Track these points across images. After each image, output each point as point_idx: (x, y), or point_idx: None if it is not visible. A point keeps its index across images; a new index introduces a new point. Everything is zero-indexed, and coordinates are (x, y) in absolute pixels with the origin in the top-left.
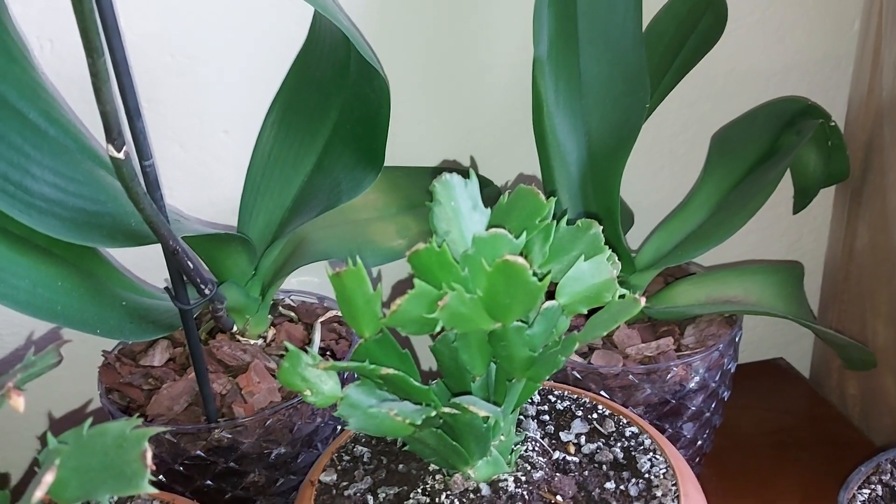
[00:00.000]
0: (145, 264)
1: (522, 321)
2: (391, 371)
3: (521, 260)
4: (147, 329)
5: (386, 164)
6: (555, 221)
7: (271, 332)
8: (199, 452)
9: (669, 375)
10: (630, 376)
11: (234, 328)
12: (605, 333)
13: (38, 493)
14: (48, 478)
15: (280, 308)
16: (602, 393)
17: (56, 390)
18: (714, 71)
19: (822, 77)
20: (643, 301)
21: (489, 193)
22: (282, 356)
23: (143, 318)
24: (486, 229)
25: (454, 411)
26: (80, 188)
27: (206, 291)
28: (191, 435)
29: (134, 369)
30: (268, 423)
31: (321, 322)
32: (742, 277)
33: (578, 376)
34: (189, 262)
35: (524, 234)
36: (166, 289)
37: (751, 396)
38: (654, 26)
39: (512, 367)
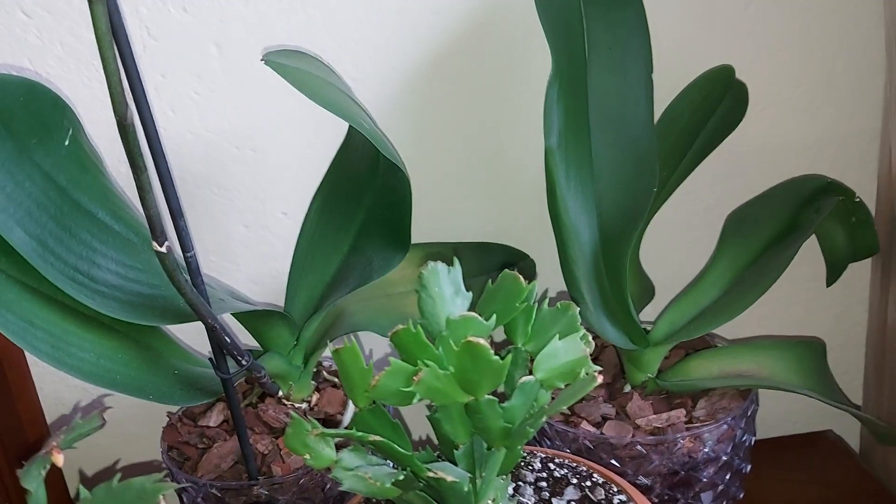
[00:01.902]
0: (198, 335)
1: (497, 395)
2: (378, 438)
3: (481, 340)
4: (194, 395)
5: (426, 240)
6: (536, 304)
7: (315, 397)
8: None
9: (677, 447)
10: (639, 447)
11: (280, 393)
12: (565, 406)
13: None
14: None
15: (324, 373)
16: (613, 462)
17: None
18: (745, 148)
19: (857, 152)
20: (600, 378)
21: (524, 266)
22: (320, 419)
23: (192, 385)
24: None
25: (433, 475)
26: (138, 275)
27: (244, 363)
28: (234, 490)
29: (192, 429)
30: (301, 481)
31: None
32: (755, 352)
33: (591, 446)
34: (226, 337)
35: (494, 316)
36: (210, 360)
37: (794, 469)
38: (669, 112)
39: (489, 437)
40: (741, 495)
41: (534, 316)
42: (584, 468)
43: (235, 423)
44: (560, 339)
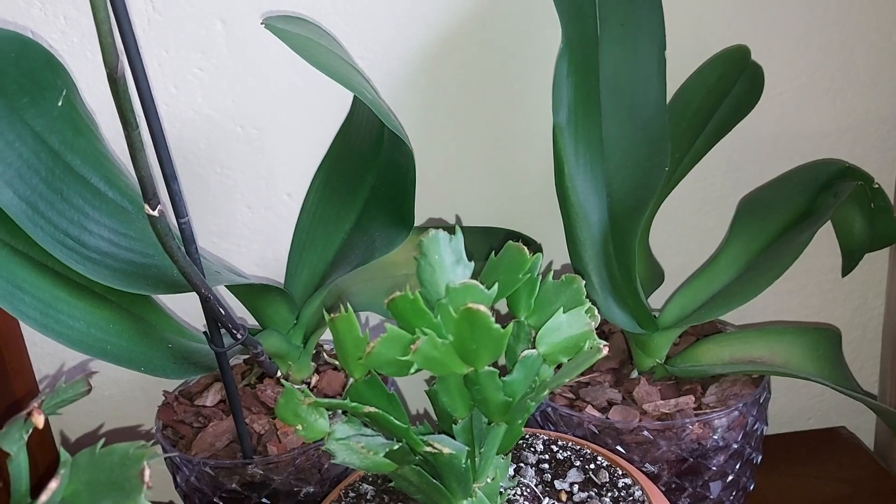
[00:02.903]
0: (194, 311)
1: (497, 367)
2: (372, 409)
3: (482, 307)
4: (188, 369)
5: (434, 224)
6: (539, 276)
7: (314, 379)
8: (235, 486)
9: (685, 433)
10: (645, 432)
11: (279, 373)
12: (569, 380)
13: (43, 497)
14: (53, 485)
15: (325, 355)
16: (619, 448)
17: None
18: (759, 134)
19: (876, 139)
20: (605, 350)
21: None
22: None
23: (185, 359)
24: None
25: (434, 450)
26: (131, 243)
27: (238, 336)
28: (228, 469)
29: (188, 408)
30: (297, 461)
31: None
32: (769, 338)
33: (595, 431)
34: (220, 309)
35: (496, 285)
36: (204, 333)
37: (808, 465)
38: (682, 93)
39: (488, 410)
40: (752, 487)
41: (537, 288)
42: (589, 451)
43: (230, 399)
44: (564, 312)
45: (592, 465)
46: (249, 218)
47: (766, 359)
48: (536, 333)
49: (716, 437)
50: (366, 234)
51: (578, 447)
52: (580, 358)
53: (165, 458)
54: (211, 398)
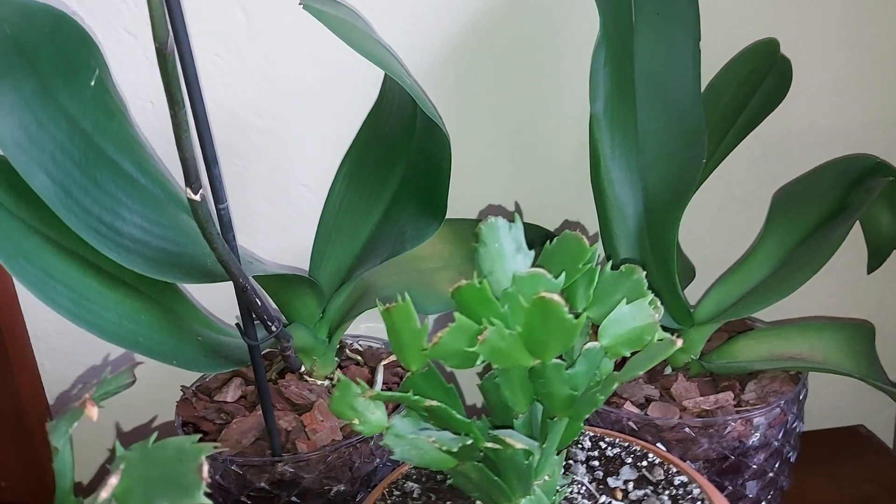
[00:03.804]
0: (221, 304)
1: (563, 359)
2: (434, 403)
3: (556, 297)
4: (219, 363)
5: (454, 216)
6: (598, 266)
7: (337, 374)
8: (263, 485)
9: (727, 430)
10: (686, 429)
11: (302, 368)
12: (640, 373)
13: (104, 494)
14: (113, 480)
15: (347, 351)
16: (659, 445)
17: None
18: (786, 129)
19: None
20: (679, 342)
21: None
22: None
23: (216, 352)
24: None
25: (494, 445)
26: (164, 231)
27: (273, 328)
28: (256, 467)
29: (208, 404)
30: (328, 459)
31: (384, 365)
32: (807, 333)
33: (635, 427)
34: (257, 300)
35: (563, 274)
36: (237, 325)
37: (828, 464)
38: (714, 86)
39: (552, 404)
40: (787, 485)
41: (596, 279)
42: (638, 448)
43: (260, 394)
44: (627, 304)
45: (645, 463)
46: (267, 210)
47: (806, 355)
48: (594, 326)
49: (758, 434)
50: (395, 226)
51: (627, 444)
52: (653, 350)
53: None
54: (231, 393)
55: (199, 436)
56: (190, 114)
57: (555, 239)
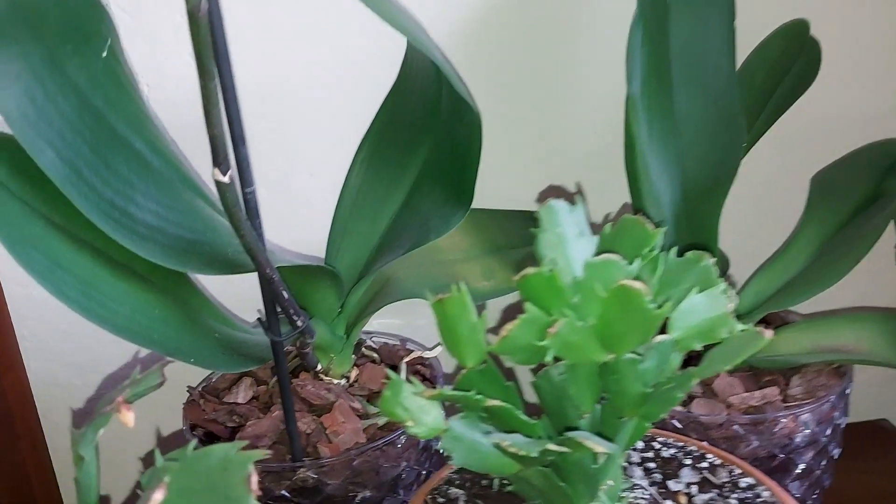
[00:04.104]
0: (230, 297)
1: (636, 354)
2: (497, 403)
3: (639, 285)
4: (238, 361)
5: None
6: (663, 252)
7: (354, 373)
8: (283, 493)
9: (777, 427)
10: (735, 427)
11: (318, 367)
12: (726, 369)
13: None
14: (158, 496)
15: (363, 349)
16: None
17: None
18: (822, 112)
19: None
20: (769, 334)
21: None
22: (365, 396)
23: (234, 350)
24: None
25: (563, 449)
26: (179, 217)
27: (299, 323)
28: (276, 474)
29: (218, 406)
30: (354, 463)
31: (405, 363)
32: (853, 325)
33: (678, 425)
34: (284, 292)
35: (637, 260)
36: (259, 320)
37: (857, 458)
38: (746, 68)
39: (623, 403)
40: (828, 484)
41: (661, 266)
42: (694, 448)
43: (283, 395)
44: (699, 292)
45: (705, 464)
46: (267, 200)
47: (853, 347)
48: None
49: (807, 431)
50: (417, 214)
51: (682, 444)
52: (736, 344)
53: None
54: (242, 394)
55: (244, 443)
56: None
57: (615, 223)
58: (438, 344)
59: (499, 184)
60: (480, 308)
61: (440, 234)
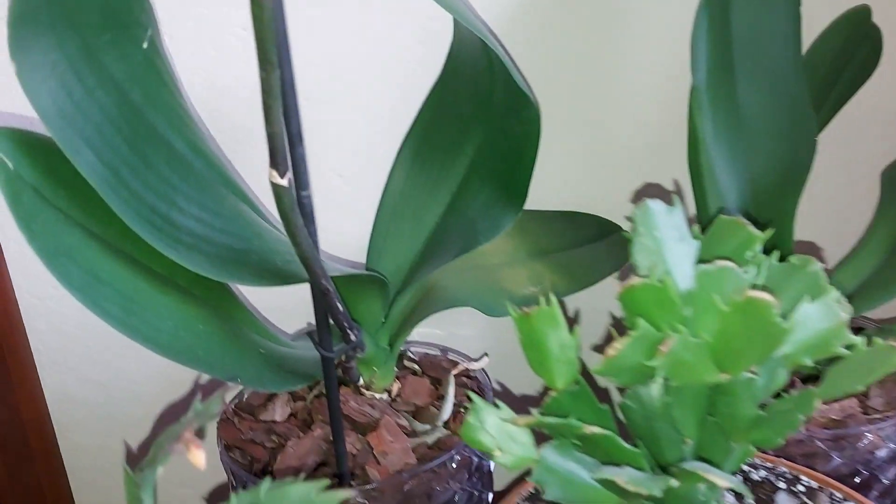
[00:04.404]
0: (265, 308)
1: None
2: (597, 430)
3: (767, 297)
4: (286, 379)
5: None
6: (767, 257)
7: (396, 386)
8: None
9: (861, 442)
10: (817, 442)
11: (360, 380)
12: (860, 389)
13: None
14: None
15: (403, 360)
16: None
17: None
18: (884, 102)
19: None
20: None
21: (621, 240)
22: (410, 412)
23: (280, 366)
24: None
25: (690, 482)
26: (225, 224)
27: (353, 337)
28: None
29: (254, 425)
30: (406, 487)
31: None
32: None
33: None
34: (339, 304)
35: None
36: (308, 334)
37: None
38: (810, 58)
39: (734, 427)
40: None
41: (765, 272)
42: (786, 469)
43: (332, 415)
44: (811, 301)
45: (801, 488)
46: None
47: None
48: None
49: (892, 445)
50: (464, 217)
51: (770, 465)
52: (867, 360)
53: (232, 485)
54: (279, 412)
55: (324, 482)
56: None
57: (711, 225)
58: (485, 354)
59: (537, 182)
60: (571, 322)
61: (489, 238)
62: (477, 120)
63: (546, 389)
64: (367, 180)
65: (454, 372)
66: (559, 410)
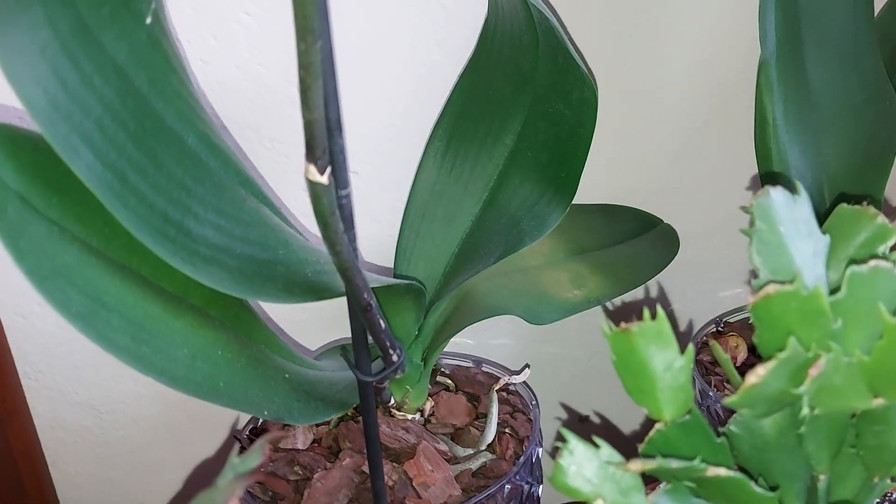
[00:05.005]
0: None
1: None
2: (723, 472)
3: None
4: (317, 408)
5: None
6: None
7: (429, 405)
8: None
9: None
10: None
11: (392, 401)
12: None
13: None
14: None
15: (436, 376)
16: None
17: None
18: None
19: None
20: None
21: (665, 232)
22: (448, 434)
23: (308, 393)
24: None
25: None
26: (247, 231)
27: (395, 357)
28: None
29: (275, 455)
30: None
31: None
32: None
33: None
34: (381, 321)
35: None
36: (343, 355)
37: None
38: (878, 25)
39: (879, 460)
40: None
41: None
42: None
43: (369, 445)
44: None
45: None
46: (307, 204)
47: None
48: None
49: None
50: (504, 215)
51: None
52: None
53: None
54: (301, 439)
55: None
56: None
57: (832, 215)
58: (527, 366)
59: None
60: (682, 337)
61: (535, 238)
62: (518, 104)
63: (649, 421)
64: (385, 176)
65: (496, 387)
66: (667, 446)
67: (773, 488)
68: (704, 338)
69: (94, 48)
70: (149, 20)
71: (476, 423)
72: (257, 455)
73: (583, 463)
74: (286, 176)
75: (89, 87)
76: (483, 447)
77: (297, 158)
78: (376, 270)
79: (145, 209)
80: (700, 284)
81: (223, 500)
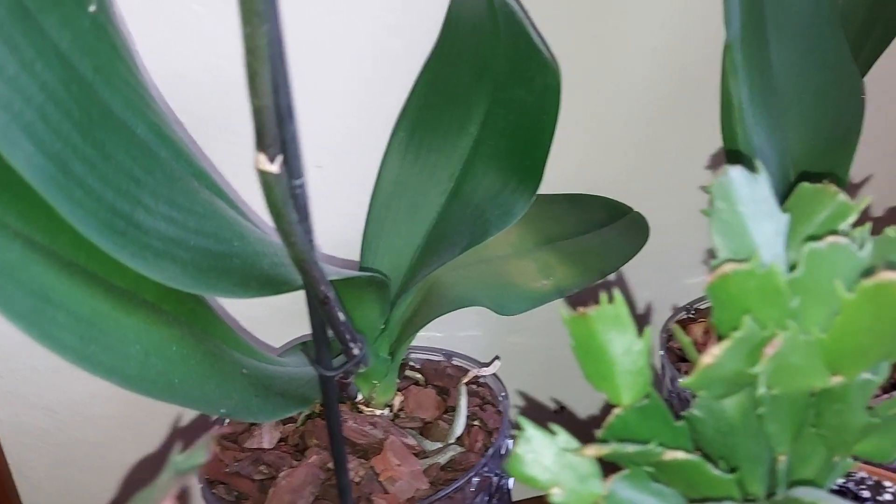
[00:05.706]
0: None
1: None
2: (681, 456)
3: None
4: (276, 404)
5: None
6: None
7: (398, 400)
8: None
9: None
10: None
11: (358, 397)
12: None
13: None
14: None
15: (405, 370)
16: None
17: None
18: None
19: None
20: None
21: (635, 220)
22: (416, 429)
23: (268, 389)
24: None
25: None
26: (200, 223)
27: (356, 351)
28: None
29: (239, 454)
30: None
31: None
32: None
33: None
34: (340, 313)
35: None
36: (302, 349)
37: None
38: (844, 7)
39: (840, 439)
40: None
41: (869, 247)
42: (865, 474)
43: (332, 441)
44: None
45: (888, 497)
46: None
47: None
48: None
49: None
50: (469, 205)
51: (875, 477)
52: None
53: None
54: (267, 437)
55: None
56: None
57: (793, 194)
58: (497, 358)
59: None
60: (640, 320)
61: (501, 228)
62: (481, 92)
63: (608, 406)
64: (350, 170)
65: (465, 380)
66: (625, 430)
67: (733, 470)
68: (674, 325)
69: (35, 34)
70: (92, 8)
71: (445, 416)
72: (200, 452)
73: (540, 450)
74: (245, 170)
75: (30, 74)
76: (452, 440)
77: (252, 150)
78: (342, 264)
79: (92, 202)
80: (668, 272)
81: (160, 498)
